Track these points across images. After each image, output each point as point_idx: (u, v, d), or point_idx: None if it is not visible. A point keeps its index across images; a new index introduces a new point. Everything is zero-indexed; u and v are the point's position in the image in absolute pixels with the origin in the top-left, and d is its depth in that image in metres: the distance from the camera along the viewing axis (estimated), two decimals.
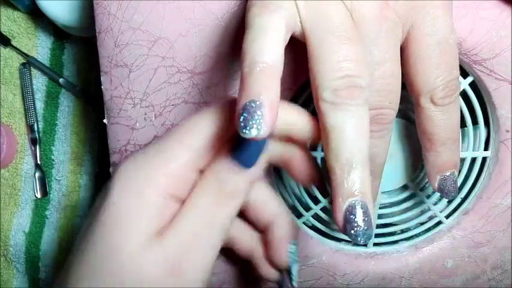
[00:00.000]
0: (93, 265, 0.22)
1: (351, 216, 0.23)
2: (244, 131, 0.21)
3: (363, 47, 0.24)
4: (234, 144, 0.23)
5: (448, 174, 0.29)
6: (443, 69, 0.26)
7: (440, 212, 0.35)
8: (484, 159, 0.34)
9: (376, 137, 0.27)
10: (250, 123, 0.20)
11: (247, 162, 0.23)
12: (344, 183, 0.23)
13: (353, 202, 0.23)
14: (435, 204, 0.35)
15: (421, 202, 0.35)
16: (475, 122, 0.32)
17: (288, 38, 0.24)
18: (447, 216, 0.35)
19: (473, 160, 0.34)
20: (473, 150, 0.33)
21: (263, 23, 0.23)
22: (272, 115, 0.21)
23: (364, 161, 0.23)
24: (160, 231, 0.23)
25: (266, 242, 0.29)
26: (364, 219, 0.23)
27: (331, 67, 0.23)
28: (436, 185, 0.29)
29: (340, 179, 0.23)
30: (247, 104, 0.21)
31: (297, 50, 0.27)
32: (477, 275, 0.36)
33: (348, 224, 0.23)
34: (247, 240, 0.30)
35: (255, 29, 0.23)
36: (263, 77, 0.21)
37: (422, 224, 0.35)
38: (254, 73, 0.21)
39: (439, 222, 0.35)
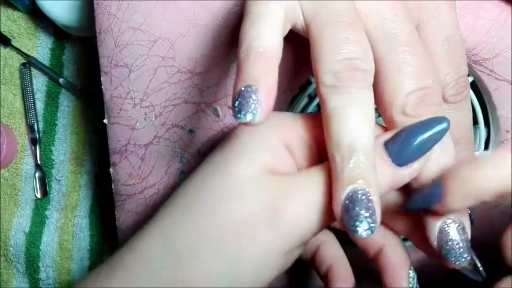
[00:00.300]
0: (204, 177, 0.24)
1: (350, 204, 0.20)
2: (239, 115, 0.20)
3: (364, 33, 0.23)
4: (394, 134, 0.22)
5: None
6: (452, 66, 0.26)
7: None
8: None
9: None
10: (245, 108, 0.20)
11: (399, 158, 0.22)
12: (345, 170, 0.21)
13: (353, 189, 0.20)
14: None
15: None
16: (475, 122, 0.32)
17: (288, 28, 0.23)
18: None
19: None
20: None
21: (261, 9, 0.22)
22: (269, 101, 0.20)
23: (367, 147, 0.21)
24: (273, 171, 0.23)
25: (380, 268, 0.28)
26: (366, 208, 0.20)
27: (331, 50, 0.22)
28: None
29: (340, 166, 0.21)
30: (243, 89, 0.20)
31: (298, 50, 0.27)
32: None
33: (346, 214, 0.20)
34: (330, 255, 0.30)
35: (252, 15, 0.22)
36: (260, 62, 0.21)
37: None
38: (250, 58, 0.21)
39: None
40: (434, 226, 0.23)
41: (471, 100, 0.32)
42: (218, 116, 0.32)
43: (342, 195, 0.21)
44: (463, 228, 0.22)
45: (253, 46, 0.21)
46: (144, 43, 0.30)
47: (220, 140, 0.32)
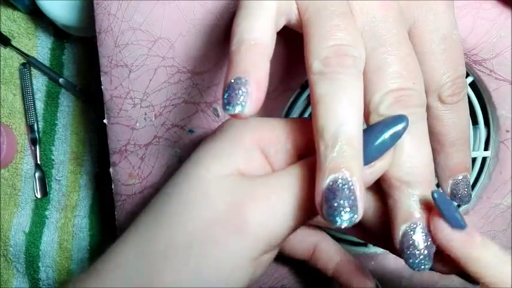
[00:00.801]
0: (176, 182, 0.24)
1: (331, 194, 0.19)
2: (227, 107, 0.20)
3: (356, 25, 0.23)
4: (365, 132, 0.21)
5: (460, 178, 0.27)
6: (449, 66, 0.25)
7: None
8: (484, 159, 0.34)
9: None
10: (234, 100, 0.20)
11: (366, 155, 0.21)
12: (327, 158, 0.20)
13: (334, 178, 0.19)
14: None
15: None
16: (475, 122, 0.32)
17: (282, 22, 0.23)
18: None
19: (473, 160, 0.34)
20: (473, 150, 0.33)
21: (254, 3, 0.22)
22: (259, 93, 0.20)
23: (352, 135, 0.20)
24: (244, 174, 0.23)
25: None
26: (346, 198, 0.19)
27: (321, 37, 0.21)
28: (449, 190, 0.28)
29: (323, 155, 0.20)
30: (233, 81, 0.20)
31: (297, 48, 0.27)
32: None
33: (326, 204, 0.19)
34: (334, 251, 0.31)
35: (245, 9, 0.22)
36: (251, 55, 0.20)
37: None
38: (242, 50, 0.21)
39: None
40: (400, 228, 0.22)
41: (471, 100, 0.32)
42: (218, 116, 0.32)
43: (323, 184, 0.20)
44: (428, 235, 0.22)
45: (245, 38, 0.21)
46: (144, 43, 0.30)
47: None
